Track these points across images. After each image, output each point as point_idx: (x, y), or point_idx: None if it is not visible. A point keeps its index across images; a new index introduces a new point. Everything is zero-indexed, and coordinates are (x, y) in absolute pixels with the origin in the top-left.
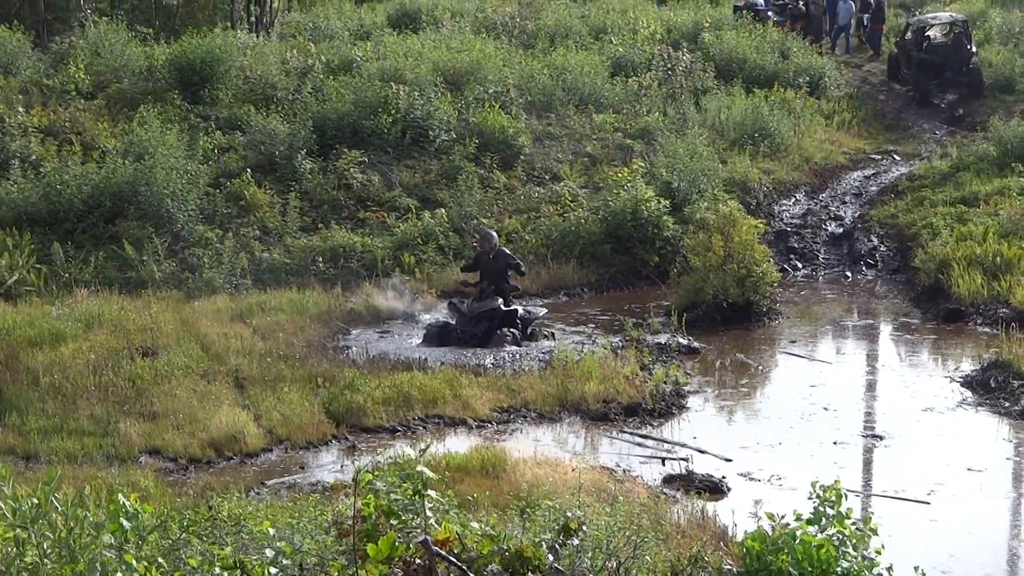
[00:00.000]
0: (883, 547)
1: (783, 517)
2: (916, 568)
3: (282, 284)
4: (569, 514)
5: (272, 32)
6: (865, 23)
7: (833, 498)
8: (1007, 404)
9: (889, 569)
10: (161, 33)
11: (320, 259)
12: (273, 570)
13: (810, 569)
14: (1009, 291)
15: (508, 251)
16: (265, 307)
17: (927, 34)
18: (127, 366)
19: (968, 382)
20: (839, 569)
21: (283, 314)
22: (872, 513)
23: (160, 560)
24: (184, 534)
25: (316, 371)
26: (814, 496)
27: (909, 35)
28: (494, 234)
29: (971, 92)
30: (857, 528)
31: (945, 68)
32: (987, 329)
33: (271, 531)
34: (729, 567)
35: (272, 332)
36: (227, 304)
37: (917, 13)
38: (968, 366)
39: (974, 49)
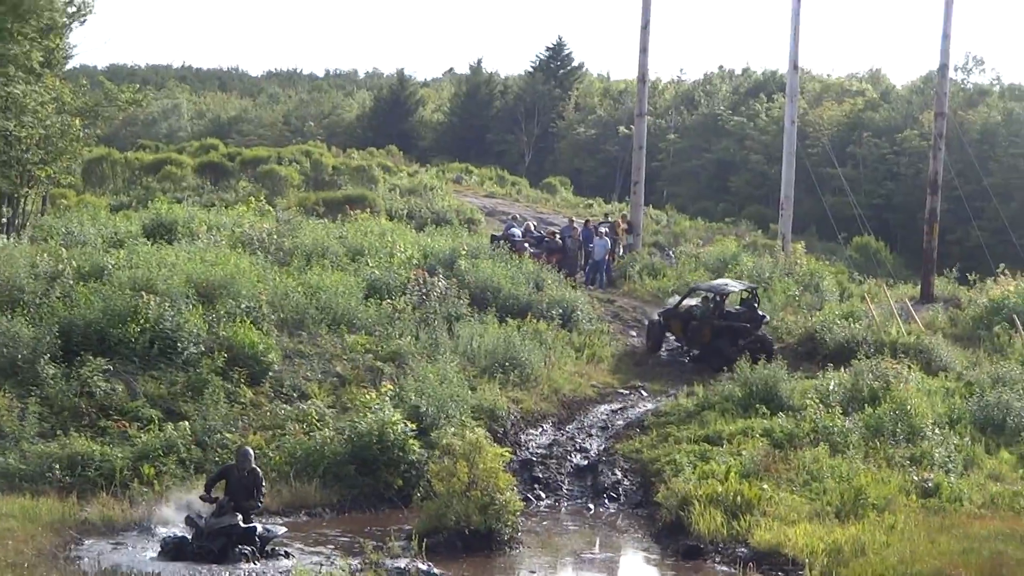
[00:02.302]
0: None
1: None
2: None
3: (16, 490)
4: None
5: (23, 234)
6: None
7: None
8: None
9: None
10: None
11: (57, 466)
12: None
13: None
14: (748, 531)
15: (260, 473)
16: None
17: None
18: None
19: None
20: None
21: (14, 521)
22: None
23: None
24: None
25: None
26: None
27: (692, 302)
28: (252, 452)
29: (763, 355)
30: None
31: (741, 334)
32: (725, 568)
33: None
34: None
35: (1, 540)
36: None
37: (671, 256)
38: None
39: (765, 315)
